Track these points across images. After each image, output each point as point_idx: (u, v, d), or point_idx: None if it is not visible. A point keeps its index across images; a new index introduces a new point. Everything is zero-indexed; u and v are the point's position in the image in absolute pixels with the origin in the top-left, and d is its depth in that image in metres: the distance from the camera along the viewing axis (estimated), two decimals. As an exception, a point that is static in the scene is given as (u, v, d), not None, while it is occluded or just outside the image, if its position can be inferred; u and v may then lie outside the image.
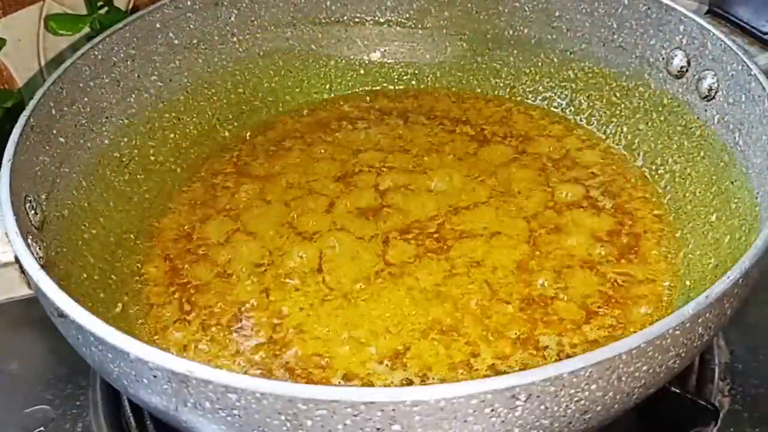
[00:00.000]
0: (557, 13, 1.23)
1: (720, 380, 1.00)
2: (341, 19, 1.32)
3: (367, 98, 1.32)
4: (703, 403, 0.94)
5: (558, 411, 0.69)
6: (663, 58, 1.13)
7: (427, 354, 0.93)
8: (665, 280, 1.01)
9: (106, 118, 1.11)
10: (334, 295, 1.00)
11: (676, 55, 1.11)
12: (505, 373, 0.83)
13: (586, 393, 0.68)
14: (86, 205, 1.04)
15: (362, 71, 1.34)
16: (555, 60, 1.26)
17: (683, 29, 1.09)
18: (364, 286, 1.01)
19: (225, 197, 1.15)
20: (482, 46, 1.31)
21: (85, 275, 0.98)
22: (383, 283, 1.01)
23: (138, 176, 1.14)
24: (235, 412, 0.68)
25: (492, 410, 0.66)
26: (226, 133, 1.25)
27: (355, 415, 0.65)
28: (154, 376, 0.70)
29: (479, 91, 1.32)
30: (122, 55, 1.13)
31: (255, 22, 1.26)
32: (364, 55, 1.34)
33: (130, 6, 1.32)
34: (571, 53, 1.24)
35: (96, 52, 1.09)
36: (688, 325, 0.72)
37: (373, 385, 0.91)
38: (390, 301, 0.99)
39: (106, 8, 1.28)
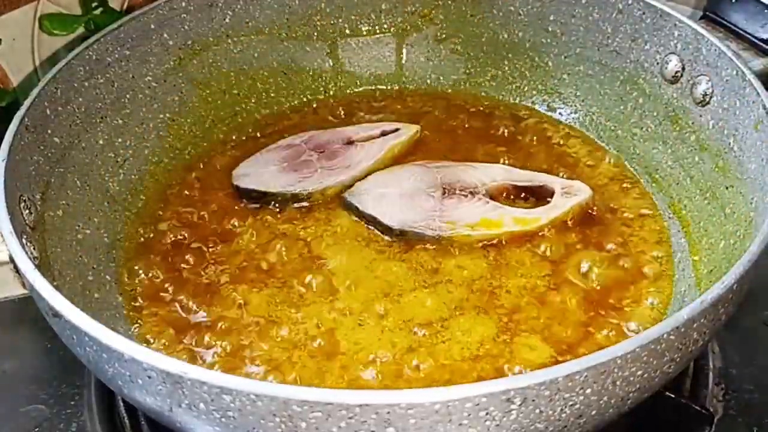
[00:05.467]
0: (552, 17, 1.23)
1: (714, 385, 1.00)
2: (336, 22, 1.32)
3: (363, 100, 1.32)
4: (697, 408, 0.95)
5: (553, 415, 0.69)
6: (657, 63, 1.13)
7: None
8: (659, 286, 1.01)
9: (101, 118, 1.11)
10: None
11: (670, 60, 1.11)
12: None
13: (581, 397, 0.69)
14: (81, 205, 1.04)
15: (357, 73, 1.34)
16: (549, 64, 1.26)
17: (678, 34, 1.09)
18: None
19: (221, 198, 1.15)
20: (477, 50, 1.31)
21: (79, 275, 0.98)
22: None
23: (132, 176, 1.14)
24: (230, 413, 0.68)
25: (487, 414, 0.66)
26: (221, 135, 1.25)
27: (350, 418, 0.65)
28: (149, 377, 0.70)
29: (473, 94, 1.32)
30: (117, 55, 1.13)
31: (250, 24, 1.26)
32: (358, 58, 1.34)
33: (125, 6, 1.32)
34: (565, 57, 1.24)
35: (90, 53, 1.09)
36: (682, 329, 0.72)
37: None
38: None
39: (100, 8, 1.28)
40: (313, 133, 1.21)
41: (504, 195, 1.11)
